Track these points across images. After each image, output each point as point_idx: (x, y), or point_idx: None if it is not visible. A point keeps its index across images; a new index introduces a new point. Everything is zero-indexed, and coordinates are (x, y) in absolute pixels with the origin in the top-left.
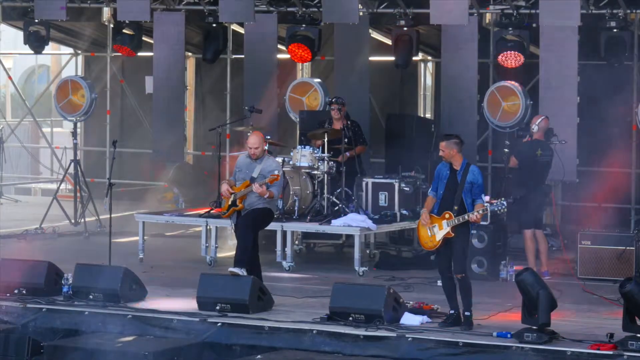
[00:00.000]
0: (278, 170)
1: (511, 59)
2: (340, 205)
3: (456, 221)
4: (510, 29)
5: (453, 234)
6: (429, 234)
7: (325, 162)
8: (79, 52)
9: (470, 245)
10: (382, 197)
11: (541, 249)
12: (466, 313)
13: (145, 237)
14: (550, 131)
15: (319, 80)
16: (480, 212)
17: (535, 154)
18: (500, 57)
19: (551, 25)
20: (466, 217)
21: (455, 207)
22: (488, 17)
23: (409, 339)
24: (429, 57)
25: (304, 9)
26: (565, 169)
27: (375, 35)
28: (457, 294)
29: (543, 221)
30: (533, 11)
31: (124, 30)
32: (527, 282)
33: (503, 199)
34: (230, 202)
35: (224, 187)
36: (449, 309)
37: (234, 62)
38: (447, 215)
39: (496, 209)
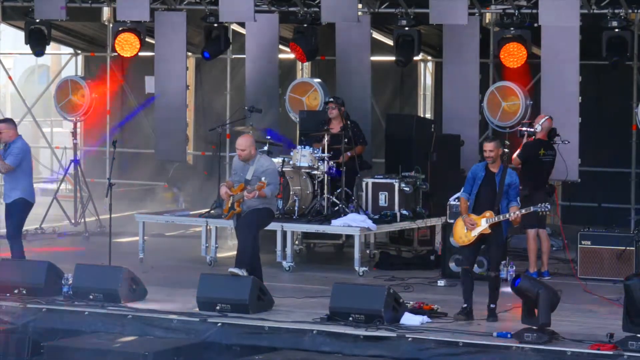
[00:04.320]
0: (271, 170)
1: (513, 56)
2: (340, 205)
3: (496, 219)
4: (511, 28)
5: (490, 231)
6: (465, 229)
7: (325, 162)
8: (79, 52)
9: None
10: (382, 197)
11: (544, 249)
12: (492, 305)
13: (145, 237)
14: (554, 131)
15: (319, 80)
16: (522, 211)
17: (538, 154)
18: (502, 53)
19: (550, 25)
20: (507, 216)
21: (495, 208)
22: (489, 16)
23: (409, 339)
24: (429, 57)
25: (305, 9)
26: (567, 169)
27: (376, 35)
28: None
29: (546, 221)
30: (534, 11)
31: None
32: (523, 287)
33: (547, 203)
34: (229, 205)
35: (223, 190)
36: (463, 303)
37: (234, 62)
38: (487, 214)
39: (539, 210)
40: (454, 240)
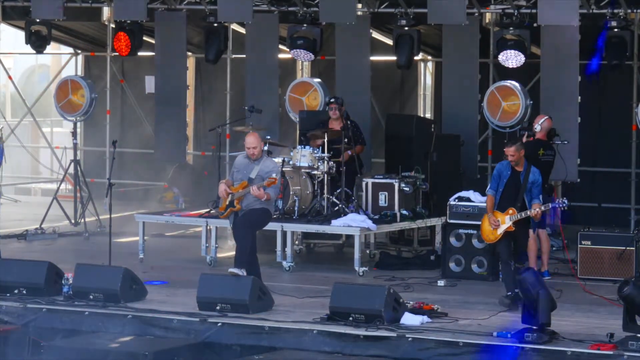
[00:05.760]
0: (276, 173)
1: (511, 58)
2: (340, 205)
3: (519, 216)
4: (510, 28)
5: (514, 228)
6: (492, 227)
7: (325, 162)
8: (79, 52)
9: (471, 245)
10: (382, 197)
11: (543, 249)
12: (510, 293)
13: (145, 237)
14: (553, 131)
15: (319, 80)
16: (543, 208)
17: (538, 154)
18: (500, 56)
19: (549, 25)
20: (528, 213)
21: (519, 205)
22: (488, 16)
23: (409, 339)
24: (429, 57)
25: (304, 9)
26: (567, 169)
27: (375, 35)
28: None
29: (546, 221)
30: (534, 11)
31: None
32: (529, 281)
33: (565, 198)
34: (227, 203)
35: (222, 188)
36: (506, 291)
37: (234, 62)
38: (510, 212)
39: (558, 206)
40: (482, 237)
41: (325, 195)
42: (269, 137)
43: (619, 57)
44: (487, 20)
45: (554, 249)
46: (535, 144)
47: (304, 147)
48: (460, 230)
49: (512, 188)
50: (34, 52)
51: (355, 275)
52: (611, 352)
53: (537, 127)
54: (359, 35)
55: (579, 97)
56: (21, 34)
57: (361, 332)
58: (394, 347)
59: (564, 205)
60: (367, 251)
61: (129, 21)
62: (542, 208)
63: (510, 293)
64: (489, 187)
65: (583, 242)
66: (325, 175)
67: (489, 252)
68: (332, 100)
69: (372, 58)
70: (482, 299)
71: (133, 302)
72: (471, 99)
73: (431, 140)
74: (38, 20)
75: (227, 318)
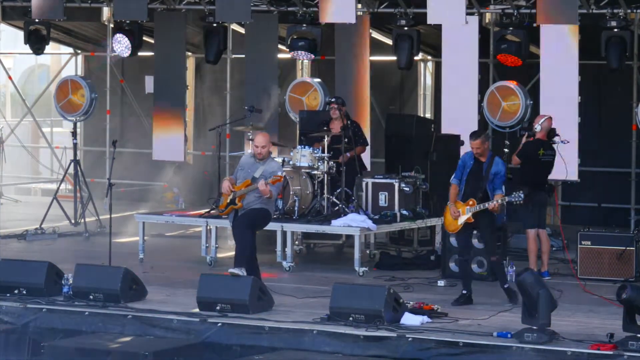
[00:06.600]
0: (281, 172)
1: (508, 61)
2: (340, 206)
3: (477, 208)
4: (510, 28)
5: (473, 220)
6: (452, 218)
7: (325, 162)
8: (79, 52)
9: (470, 245)
10: (382, 197)
11: (544, 249)
12: (505, 286)
13: (145, 237)
14: (553, 131)
15: (319, 80)
16: (499, 201)
17: (538, 154)
18: (499, 57)
19: (549, 25)
20: (486, 205)
21: (480, 196)
22: (488, 16)
23: (409, 339)
24: (429, 57)
25: (304, 9)
26: (567, 169)
27: (375, 35)
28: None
29: (546, 221)
30: (533, 11)
31: None
32: (528, 282)
33: (521, 191)
34: (229, 200)
35: (225, 184)
36: (462, 289)
37: (234, 62)
38: (470, 202)
39: (513, 200)
40: (445, 227)
41: (325, 195)
42: None
43: (617, 65)
44: (487, 20)
45: (554, 249)
46: (535, 144)
47: (304, 147)
48: None
49: (474, 179)
50: (34, 53)
51: (355, 276)
52: (611, 352)
53: (537, 127)
54: (359, 35)
55: (579, 97)
56: (21, 34)
57: (361, 332)
58: (394, 347)
59: (519, 199)
60: (367, 251)
61: (128, 21)
62: (500, 201)
63: (465, 292)
64: (453, 176)
65: (583, 242)
66: (325, 175)
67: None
68: (333, 100)
69: (372, 58)
70: (482, 299)
71: (133, 302)
72: (471, 99)
73: (431, 140)
74: (37, 20)
75: (227, 318)
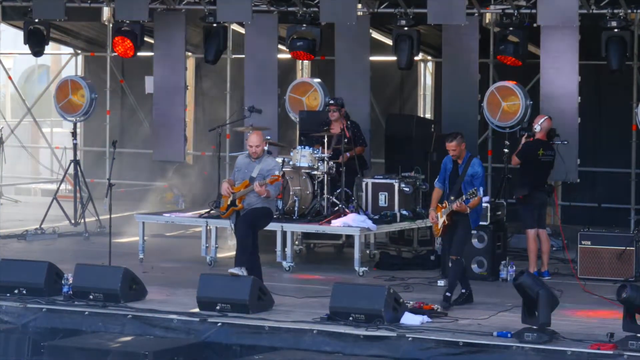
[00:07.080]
0: (278, 170)
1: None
2: (340, 206)
3: (446, 211)
4: (510, 28)
5: (448, 222)
6: (432, 222)
7: (325, 162)
8: (79, 52)
9: (470, 245)
10: (382, 198)
11: (544, 249)
12: (447, 294)
13: (145, 237)
14: (553, 131)
15: (319, 80)
16: (459, 202)
17: (537, 154)
18: (499, 57)
19: (548, 25)
20: (451, 206)
21: (452, 198)
22: (488, 16)
23: (409, 338)
24: (429, 57)
25: (304, 9)
26: (567, 169)
27: (375, 35)
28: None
29: (546, 221)
30: (534, 11)
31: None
32: (526, 284)
33: (479, 189)
34: (229, 202)
35: (225, 186)
36: (461, 288)
37: (234, 62)
38: (444, 205)
39: (469, 197)
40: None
41: (325, 196)
42: (268, 137)
43: (618, 58)
44: (487, 21)
45: (554, 249)
46: (535, 144)
47: (304, 147)
48: None
49: (451, 181)
50: (33, 54)
51: (355, 275)
52: (611, 352)
53: (537, 127)
54: (359, 35)
55: (579, 97)
56: (21, 34)
57: (361, 332)
58: (394, 347)
59: (473, 196)
60: (367, 251)
61: (127, 22)
62: (458, 203)
63: (464, 290)
64: (436, 179)
65: (583, 242)
66: (325, 175)
67: (489, 252)
68: (332, 102)
69: (372, 58)
70: (482, 299)
71: (133, 302)
72: (471, 99)
73: (431, 140)
74: (37, 20)
75: (227, 318)
